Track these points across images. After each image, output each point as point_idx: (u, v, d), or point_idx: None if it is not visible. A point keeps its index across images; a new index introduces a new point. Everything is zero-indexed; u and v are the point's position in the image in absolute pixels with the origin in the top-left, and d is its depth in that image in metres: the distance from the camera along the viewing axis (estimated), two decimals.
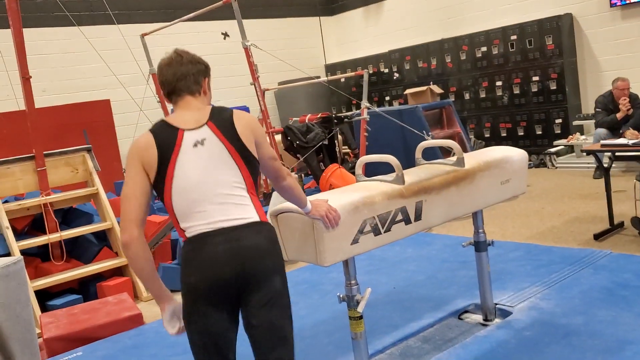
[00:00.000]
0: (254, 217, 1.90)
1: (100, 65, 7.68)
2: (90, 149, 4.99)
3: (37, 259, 4.62)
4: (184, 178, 1.85)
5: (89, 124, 7.41)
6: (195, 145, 1.86)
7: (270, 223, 2.02)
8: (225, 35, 6.81)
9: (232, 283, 1.83)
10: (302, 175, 7.13)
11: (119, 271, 4.68)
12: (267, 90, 6.98)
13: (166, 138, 1.86)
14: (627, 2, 7.26)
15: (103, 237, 4.84)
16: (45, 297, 4.40)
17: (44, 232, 4.56)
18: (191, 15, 6.39)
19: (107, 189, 5.66)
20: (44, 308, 4.29)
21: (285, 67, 7.25)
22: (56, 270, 4.51)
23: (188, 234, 1.86)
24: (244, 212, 1.88)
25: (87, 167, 4.93)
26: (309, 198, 2.23)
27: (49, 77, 7.94)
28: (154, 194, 1.92)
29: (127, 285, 4.49)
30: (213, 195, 1.85)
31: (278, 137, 6.90)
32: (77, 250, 4.75)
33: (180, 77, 1.95)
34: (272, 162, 2.05)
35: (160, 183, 1.86)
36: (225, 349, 1.89)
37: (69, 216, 4.98)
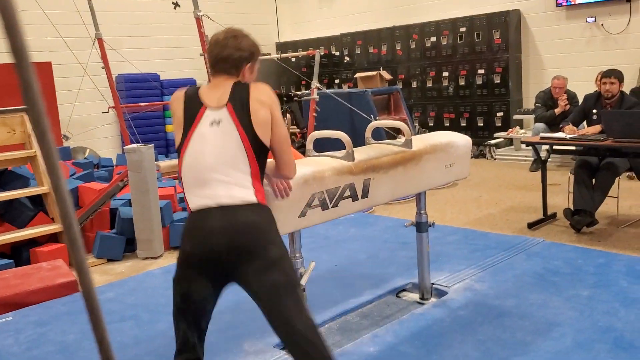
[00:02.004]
0: (253, 199, 1.93)
1: (43, 26, 7.35)
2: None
3: None
4: (196, 152, 1.94)
5: None
6: (212, 124, 1.95)
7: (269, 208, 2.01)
8: (176, 5, 6.64)
9: (223, 255, 1.89)
10: None
11: (54, 237, 4.53)
12: None
13: (193, 107, 1.98)
14: (572, 3, 7.53)
15: (39, 202, 4.67)
16: None
17: None
18: None
19: None
20: None
21: None
22: None
23: (191, 206, 1.94)
24: (245, 194, 1.92)
25: (25, 129, 4.73)
26: None
27: None
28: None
29: (63, 252, 4.36)
30: (219, 174, 1.92)
31: None
32: (11, 214, 4.56)
33: (221, 60, 2.02)
34: (276, 147, 2.02)
35: (179, 145, 1.98)
36: (199, 316, 2.01)
37: (3, 178, 4.77)
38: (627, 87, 6.12)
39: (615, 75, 4.62)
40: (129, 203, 4.74)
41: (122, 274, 4.19)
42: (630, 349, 2.48)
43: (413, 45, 8.90)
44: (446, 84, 8.60)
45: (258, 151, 1.96)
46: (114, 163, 6.97)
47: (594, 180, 4.48)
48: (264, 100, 1.97)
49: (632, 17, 7.21)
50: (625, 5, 7.21)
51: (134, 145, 4.44)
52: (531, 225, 4.61)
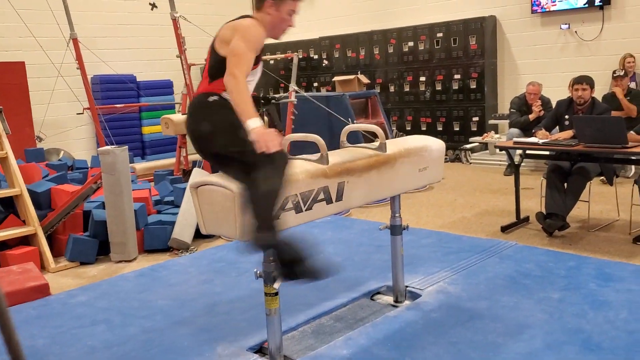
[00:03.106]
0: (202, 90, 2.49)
1: (16, 25, 7.25)
2: (1, 110, 4.70)
3: None
4: None
5: (0, 85, 6.99)
6: None
7: (209, 97, 2.45)
8: (153, 5, 6.60)
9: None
10: None
11: (25, 240, 4.46)
12: (194, 65, 6.82)
13: None
14: (547, 9, 7.66)
15: (9, 204, 4.59)
16: None
17: None
18: None
19: (17, 156, 5.36)
20: None
21: None
22: None
23: None
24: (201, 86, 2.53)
25: None
26: None
27: None
28: None
29: (34, 255, 4.29)
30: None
31: None
32: None
33: None
34: (227, 55, 2.35)
35: None
36: None
37: None
38: (599, 93, 6.23)
39: (586, 81, 4.70)
40: (102, 205, 4.69)
41: (94, 277, 4.14)
42: (597, 350, 2.52)
43: (391, 50, 8.96)
44: (423, 89, 8.67)
45: (213, 55, 2.45)
46: (89, 165, 6.88)
47: (565, 184, 4.55)
48: (233, 27, 2.39)
49: (604, 25, 7.35)
50: (598, 12, 7.35)
51: (108, 147, 4.39)
52: (504, 229, 4.67)
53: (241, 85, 2.25)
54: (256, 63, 2.46)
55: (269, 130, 2.23)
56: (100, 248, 4.52)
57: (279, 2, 2.46)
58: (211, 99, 2.42)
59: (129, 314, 3.25)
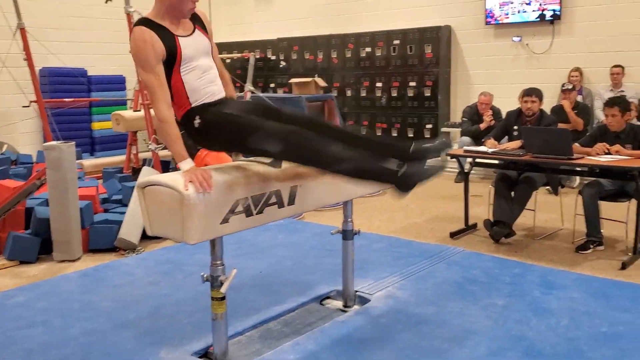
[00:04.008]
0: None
1: None
2: None
3: None
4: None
5: None
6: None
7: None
8: None
9: None
10: None
11: None
12: None
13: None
14: (500, 22, 7.84)
15: None
16: None
17: None
18: None
19: None
20: None
21: None
22: None
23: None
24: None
25: None
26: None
27: None
28: None
29: None
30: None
31: None
32: None
33: None
34: None
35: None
36: None
37: None
38: (548, 106, 6.41)
39: (535, 94, 4.83)
40: (46, 203, 4.52)
41: (35, 277, 3.99)
42: (539, 357, 2.58)
43: (349, 55, 9.00)
44: (379, 95, 8.73)
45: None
46: (34, 160, 6.65)
47: (513, 193, 4.66)
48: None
49: (554, 39, 7.57)
50: (549, 27, 7.57)
51: (54, 142, 4.25)
52: (453, 235, 4.75)
53: (165, 126, 2.29)
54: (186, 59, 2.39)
55: (200, 169, 2.24)
56: (42, 247, 4.36)
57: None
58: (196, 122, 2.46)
59: (70, 316, 3.15)
